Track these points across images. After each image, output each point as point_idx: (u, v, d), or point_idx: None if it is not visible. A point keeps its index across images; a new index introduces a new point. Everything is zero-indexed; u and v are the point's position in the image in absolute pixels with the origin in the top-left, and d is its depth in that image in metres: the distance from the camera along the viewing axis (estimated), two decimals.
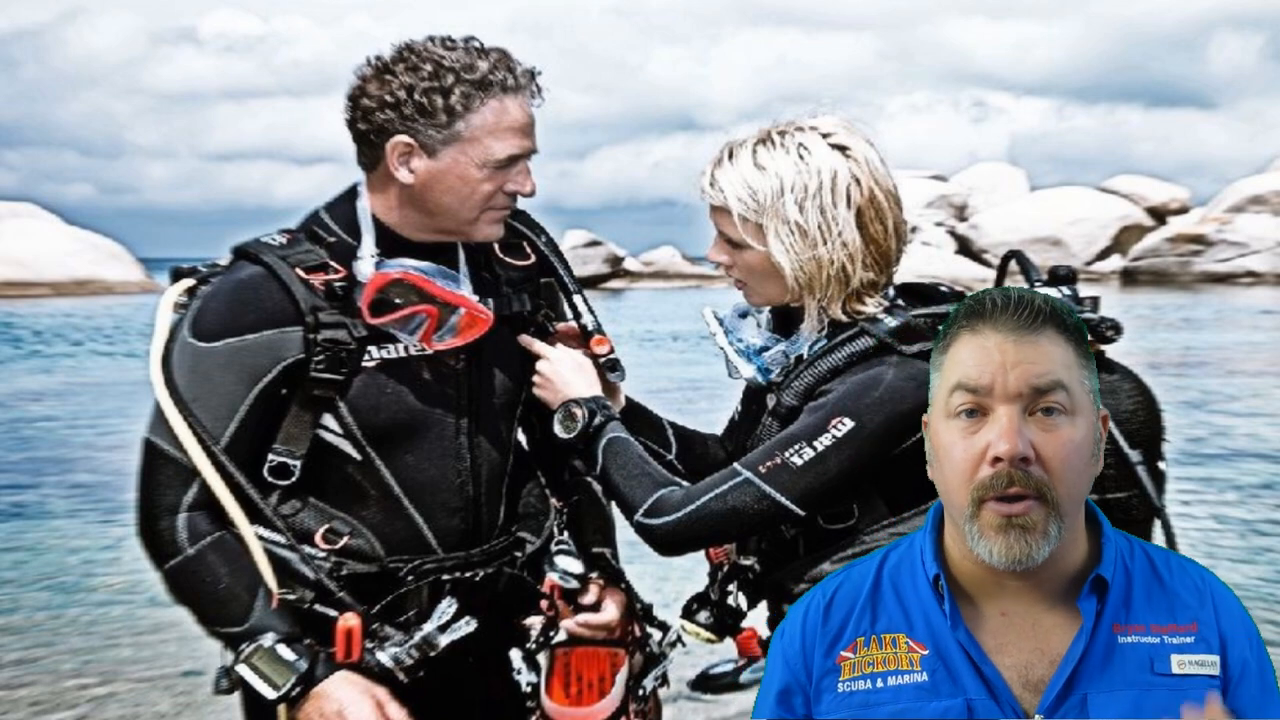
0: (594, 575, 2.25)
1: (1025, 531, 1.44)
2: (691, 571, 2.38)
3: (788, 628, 1.61)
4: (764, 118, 2.13)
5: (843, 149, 2.04)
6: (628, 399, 2.33)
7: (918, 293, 2.14)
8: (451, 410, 2.17)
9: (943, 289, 2.16)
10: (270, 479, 2.10)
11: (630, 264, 49.04)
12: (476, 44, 2.08)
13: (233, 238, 2.17)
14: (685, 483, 2.07)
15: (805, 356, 2.08)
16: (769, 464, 1.98)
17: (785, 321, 2.15)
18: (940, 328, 1.56)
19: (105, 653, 5.82)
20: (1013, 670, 1.48)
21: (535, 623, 2.23)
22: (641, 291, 45.66)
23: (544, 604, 2.23)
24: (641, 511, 2.05)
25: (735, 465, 2.02)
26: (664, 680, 2.32)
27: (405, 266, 2.08)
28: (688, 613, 2.24)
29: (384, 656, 2.10)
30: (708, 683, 2.42)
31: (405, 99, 2.02)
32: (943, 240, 45.47)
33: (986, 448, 1.45)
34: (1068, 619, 1.49)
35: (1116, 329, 2.05)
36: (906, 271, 2.16)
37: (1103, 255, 44.98)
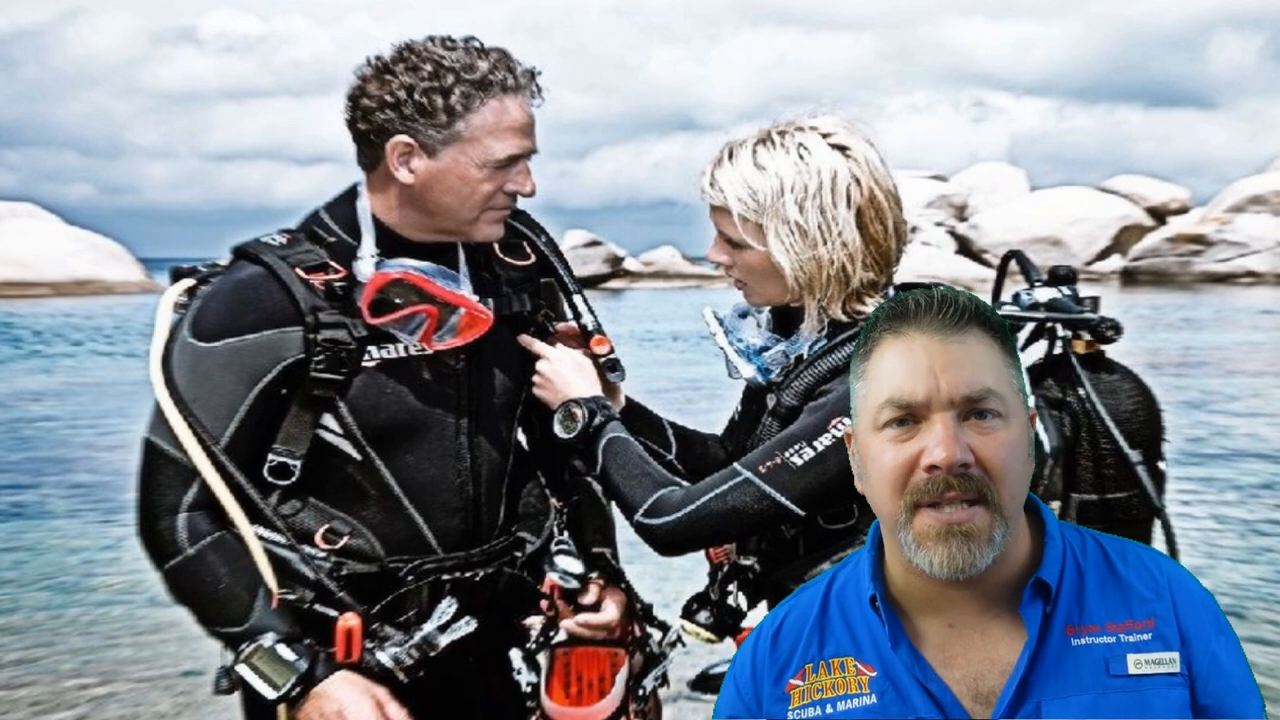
0: (594, 575, 2.25)
1: (968, 539, 1.39)
2: (691, 571, 2.38)
3: (739, 656, 1.59)
4: (764, 118, 2.13)
5: (843, 149, 2.04)
6: (628, 399, 2.33)
7: None
8: (451, 410, 2.17)
9: (908, 292, 2.15)
10: (270, 479, 2.10)
11: (630, 264, 49.05)
12: (476, 44, 2.08)
13: (233, 238, 2.17)
14: (685, 483, 2.07)
15: (805, 356, 2.08)
16: (769, 464, 1.98)
17: (785, 321, 2.15)
18: (861, 334, 1.52)
19: (105, 653, 5.82)
20: (962, 683, 1.44)
21: (535, 623, 2.23)
22: (641, 291, 45.66)
23: (544, 604, 2.23)
24: (641, 511, 2.05)
25: (735, 465, 2.02)
26: (664, 680, 2.32)
27: (405, 266, 2.08)
28: (688, 613, 2.24)
29: (384, 656, 2.10)
30: (708, 683, 2.42)
31: (405, 99, 2.02)
32: (943, 240, 45.47)
33: (919, 454, 1.40)
34: (1016, 626, 1.45)
35: (1116, 329, 2.05)
36: (906, 271, 2.16)
37: (1103, 255, 44.99)
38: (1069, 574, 1.47)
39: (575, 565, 2.23)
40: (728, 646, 2.31)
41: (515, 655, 2.21)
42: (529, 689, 2.19)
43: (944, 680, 1.44)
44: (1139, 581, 1.48)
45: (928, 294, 1.47)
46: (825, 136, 2.05)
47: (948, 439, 1.39)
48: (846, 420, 1.96)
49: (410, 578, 2.15)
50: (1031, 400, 1.93)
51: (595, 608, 2.23)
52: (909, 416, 1.42)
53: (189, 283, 2.16)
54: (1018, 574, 1.46)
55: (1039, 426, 2.07)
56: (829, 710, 1.48)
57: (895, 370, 1.43)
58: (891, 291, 2.10)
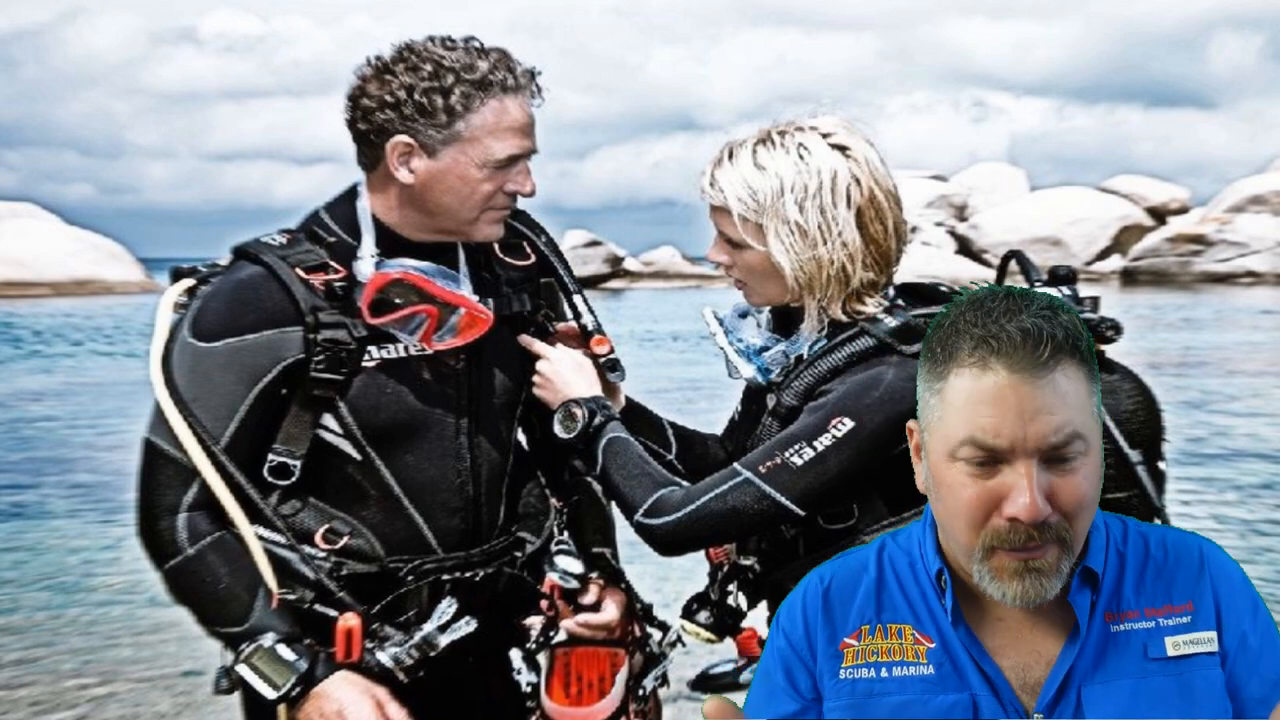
0: (594, 575, 2.25)
1: (1040, 574, 1.40)
2: (691, 571, 2.38)
3: (787, 612, 1.58)
4: (764, 118, 2.13)
5: (843, 149, 2.04)
6: (628, 399, 2.33)
7: (918, 293, 2.14)
8: (451, 410, 2.17)
9: (943, 289, 2.16)
10: (270, 479, 2.10)
11: (630, 264, 49.04)
12: (476, 44, 2.08)
13: (233, 238, 2.17)
14: (685, 483, 2.07)
15: (805, 356, 2.08)
16: (769, 464, 1.98)
17: (785, 321, 2.15)
18: (934, 332, 1.47)
19: (105, 653, 5.82)
20: (1011, 672, 1.46)
21: (535, 623, 2.23)
22: (641, 291, 45.66)
23: (544, 604, 2.23)
24: (641, 511, 2.05)
25: (735, 465, 2.02)
26: (664, 680, 2.32)
27: (405, 266, 2.08)
28: (688, 613, 2.24)
29: (384, 656, 2.10)
30: (708, 683, 2.43)
31: (405, 99, 2.02)
32: (943, 240, 45.46)
33: (998, 496, 1.38)
34: (1062, 616, 1.47)
35: (1116, 329, 2.05)
36: (906, 271, 2.16)
37: (1103, 255, 44.98)
38: (1111, 562, 1.49)
39: (575, 565, 2.23)
40: (728, 646, 2.31)
41: (515, 655, 2.20)
42: (529, 689, 2.19)
43: (997, 665, 1.46)
44: (1178, 567, 1.50)
45: (1021, 326, 1.38)
46: (825, 136, 2.05)
47: (1031, 492, 1.36)
48: (847, 420, 1.97)
49: (410, 578, 2.15)
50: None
51: (595, 608, 2.23)
52: (989, 458, 1.39)
53: (189, 283, 2.16)
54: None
55: None
56: (884, 674, 1.48)
57: (980, 409, 1.38)
58: (891, 291, 2.11)
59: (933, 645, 1.49)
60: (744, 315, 2.23)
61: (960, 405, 1.40)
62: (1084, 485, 1.40)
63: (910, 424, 1.54)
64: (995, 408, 1.37)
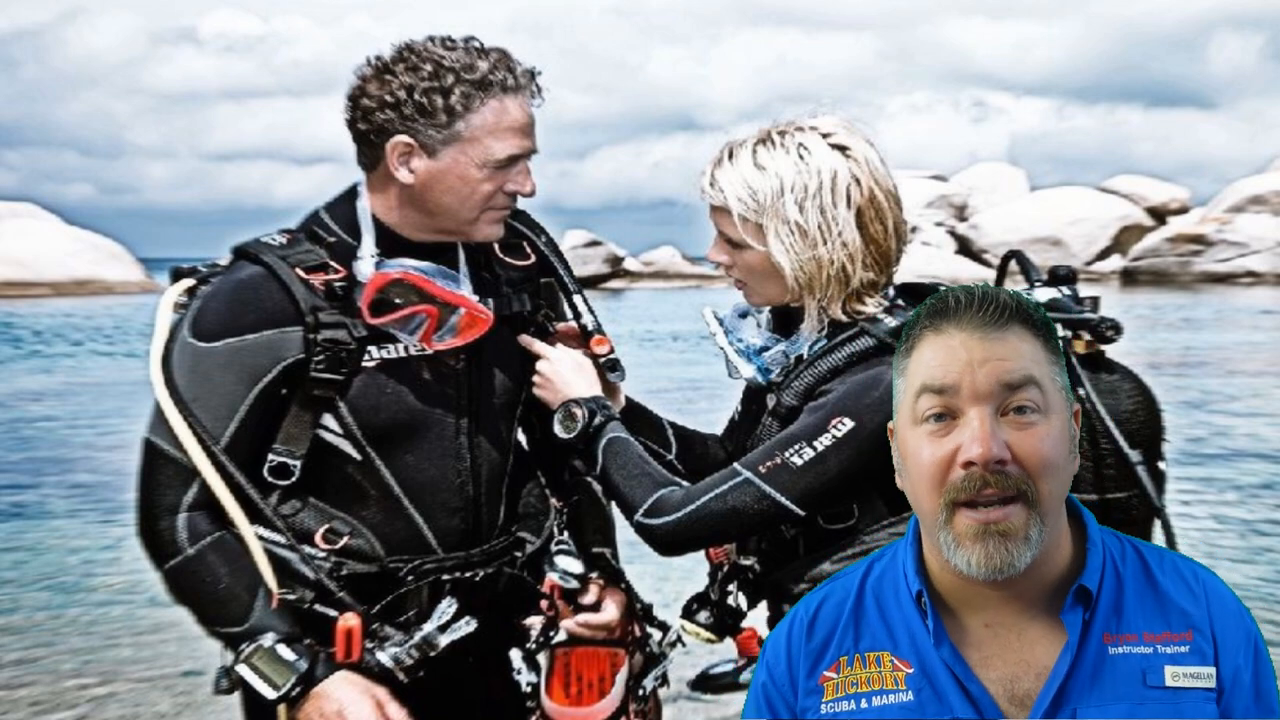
0: (594, 575, 2.25)
1: (1005, 538, 1.38)
2: (691, 571, 2.38)
3: (772, 644, 1.58)
4: (764, 118, 2.13)
5: (843, 149, 2.04)
6: (628, 399, 2.33)
7: (918, 293, 2.14)
8: (451, 410, 2.17)
9: (943, 289, 2.16)
10: (270, 479, 2.10)
11: (630, 264, 49.04)
12: (476, 44, 2.08)
13: (233, 238, 2.17)
14: (685, 483, 2.07)
15: (805, 356, 2.08)
16: (769, 464, 1.98)
17: (785, 321, 2.15)
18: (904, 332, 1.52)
19: (105, 653, 5.82)
20: (999, 684, 1.44)
21: (535, 623, 2.23)
22: (641, 291, 45.65)
23: (544, 604, 2.23)
24: (641, 511, 2.05)
25: (735, 465, 2.02)
26: (664, 680, 2.32)
27: (405, 266, 2.09)
28: (688, 613, 2.24)
29: (384, 656, 2.10)
30: (708, 683, 2.42)
31: (405, 99, 2.02)
32: (943, 240, 45.47)
33: (957, 451, 1.39)
34: (1054, 630, 1.44)
35: (1116, 329, 2.04)
36: (906, 271, 2.16)
37: (1103, 255, 44.98)
38: (1108, 581, 1.47)
39: (575, 565, 2.23)
40: (728, 646, 2.31)
41: (515, 655, 2.21)
42: (529, 689, 2.19)
43: (981, 681, 1.44)
44: (1177, 592, 1.47)
45: (969, 291, 1.46)
46: (825, 136, 2.05)
47: (984, 434, 1.38)
48: (847, 420, 1.97)
49: (410, 578, 2.15)
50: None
51: (595, 608, 2.23)
52: (946, 412, 1.41)
53: (189, 283, 2.16)
54: (1057, 577, 1.46)
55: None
56: (863, 705, 1.47)
57: (931, 361, 1.43)
58: (891, 291, 2.11)
59: (911, 670, 1.46)
60: (744, 315, 2.23)
61: (917, 368, 1.45)
62: (1044, 443, 1.40)
63: (890, 425, 1.54)
64: (948, 357, 1.42)
